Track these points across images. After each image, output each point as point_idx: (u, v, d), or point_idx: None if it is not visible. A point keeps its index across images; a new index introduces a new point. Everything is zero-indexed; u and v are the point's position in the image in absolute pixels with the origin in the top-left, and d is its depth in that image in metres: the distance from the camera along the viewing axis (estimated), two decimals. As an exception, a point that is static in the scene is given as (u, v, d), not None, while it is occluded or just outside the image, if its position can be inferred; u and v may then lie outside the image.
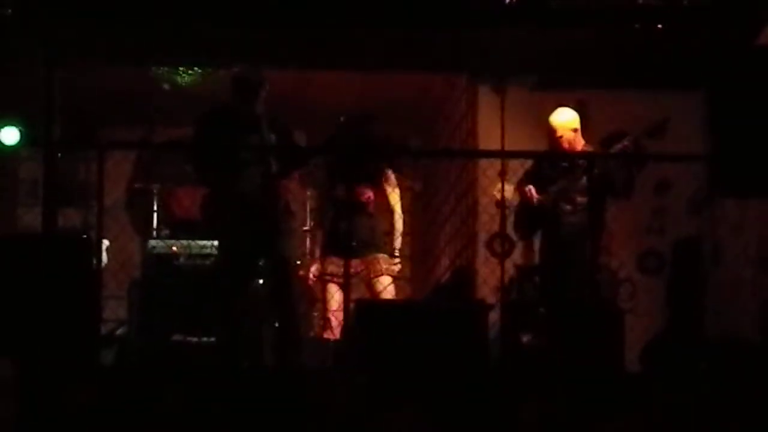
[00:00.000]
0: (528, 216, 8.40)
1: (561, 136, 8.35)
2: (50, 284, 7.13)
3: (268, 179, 7.97)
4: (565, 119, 8.43)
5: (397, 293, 8.94)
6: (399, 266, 8.88)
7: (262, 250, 8.02)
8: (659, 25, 8.85)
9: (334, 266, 8.62)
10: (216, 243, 8.85)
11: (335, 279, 8.60)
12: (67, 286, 7.24)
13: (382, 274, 8.73)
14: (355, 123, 8.85)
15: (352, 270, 8.28)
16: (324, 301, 8.75)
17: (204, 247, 9.20)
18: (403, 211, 9.02)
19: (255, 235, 7.92)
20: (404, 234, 9.04)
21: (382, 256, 8.76)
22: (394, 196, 8.90)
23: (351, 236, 8.34)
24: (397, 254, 8.83)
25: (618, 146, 8.19)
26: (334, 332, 8.55)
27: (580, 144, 8.44)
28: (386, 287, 8.73)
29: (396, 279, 8.87)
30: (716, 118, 8.02)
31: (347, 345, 7.67)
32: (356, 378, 7.08)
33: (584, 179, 8.21)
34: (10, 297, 7.12)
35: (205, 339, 8.66)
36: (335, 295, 8.60)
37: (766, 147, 7.88)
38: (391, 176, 8.89)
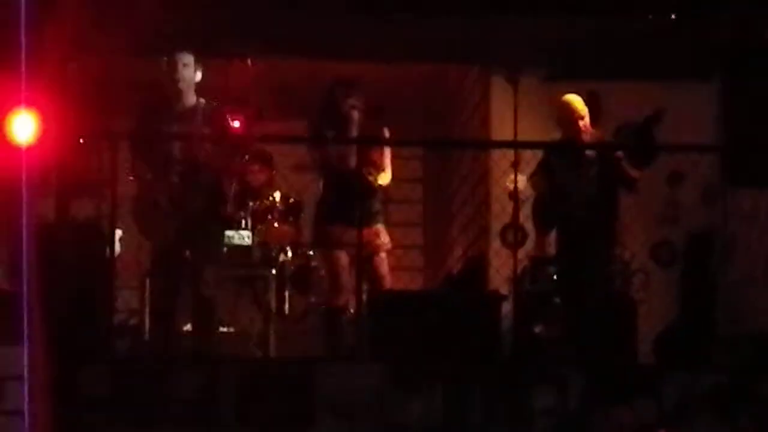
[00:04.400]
0: (545, 208, 8.40)
1: (582, 117, 8.36)
2: (64, 274, 7.14)
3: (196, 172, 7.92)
4: (581, 100, 8.46)
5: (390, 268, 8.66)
6: (389, 241, 8.52)
7: (188, 243, 7.94)
8: (672, 16, 8.83)
9: (338, 234, 8.30)
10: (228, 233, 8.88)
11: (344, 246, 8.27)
12: (80, 276, 7.26)
13: (381, 250, 8.44)
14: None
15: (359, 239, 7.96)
16: (334, 269, 8.43)
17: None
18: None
19: (182, 229, 7.88)
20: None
21: (381, 227, 8.49)
22: (387, 153, 8.59)
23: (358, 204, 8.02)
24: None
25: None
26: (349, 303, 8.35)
27: (590, 129, 8.46)
28: (383, 261, 8.45)
29: (388, 252, 8.59)
30: (730, 109, 8.03)
31: (360, 334, 7.68)
32: (370, 367, 7.09)
33: (595, 169, 8.21)
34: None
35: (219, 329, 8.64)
36: (344, 261, 8.31)
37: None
38: (386, 132, 8.63)
